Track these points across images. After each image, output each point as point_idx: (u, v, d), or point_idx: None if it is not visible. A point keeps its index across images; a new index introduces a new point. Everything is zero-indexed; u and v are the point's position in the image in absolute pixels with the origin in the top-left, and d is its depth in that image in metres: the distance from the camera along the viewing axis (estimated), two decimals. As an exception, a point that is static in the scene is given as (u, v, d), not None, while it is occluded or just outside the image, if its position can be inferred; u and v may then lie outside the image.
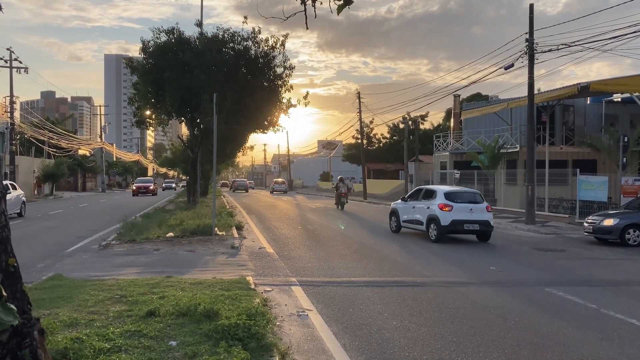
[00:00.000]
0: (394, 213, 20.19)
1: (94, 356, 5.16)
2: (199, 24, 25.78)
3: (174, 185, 57.26)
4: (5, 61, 44.45)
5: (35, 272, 10.71)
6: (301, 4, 3.94)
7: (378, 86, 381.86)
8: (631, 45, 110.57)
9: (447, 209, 16.91)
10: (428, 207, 17.60)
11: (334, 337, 6.75)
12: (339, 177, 36.18)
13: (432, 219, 17.19)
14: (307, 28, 4.08)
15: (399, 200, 20.60)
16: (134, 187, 56.79)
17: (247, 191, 70.62)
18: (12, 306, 2.81)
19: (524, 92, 24.50)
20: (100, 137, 78.92)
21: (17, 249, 3.41)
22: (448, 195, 17.39)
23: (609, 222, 16.83)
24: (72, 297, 7.94)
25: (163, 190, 79.18)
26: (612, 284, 10.78)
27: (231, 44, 24.46)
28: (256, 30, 24.50)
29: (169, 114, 26.84)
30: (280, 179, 73.52)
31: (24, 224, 21.77)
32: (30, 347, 3.02)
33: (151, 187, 56.45)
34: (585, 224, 17.80)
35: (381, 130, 74.33)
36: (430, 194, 18.12)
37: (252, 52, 24.38)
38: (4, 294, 2.82)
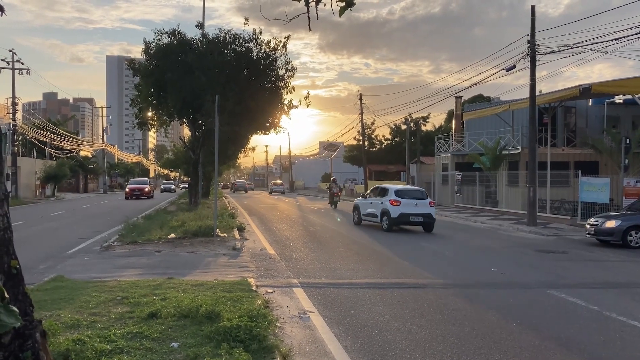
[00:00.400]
0: (356, 208, 23.61)
1: (96, 358, 5.17)
2: (201, 26, 25.81)
3: (173, 186, 52.35)
4: (8, 63, 44.52)
5: (37, 273, 10.72)
6: (305, 5, 3.94)
7: (379, 87, 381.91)
8: (633, 47, 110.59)
9: (396, 204, 20.29)
10: (382, 203, 20.99)
11: (335, 339, 6.75)
12: (331, 179, 39.07)
13: (385, 213, 20.63)
14: (310, 30, 4.09)
15: (360, 197, 24.41)
16: (127, 189, 51.56)
17: (246, 192, 74.62)
18: (14, 308, 2.81)
19: (525, 93, 24.47)
20: (102, 138, 79.00)
21: (19, 250, 3.41)
22: (397, 193, 20.79)
23: (611, 223, 16.80)
24: (74, 298, 7.95)
25: (161, 192, 73.68)
26: (614, 286, 10.77)
27: (233, 46, 24.49)
28: (258, 32, 24.55)
29: (170, 116, 26.87)
30: (278, 181, 77.45)
31: (26, 226, 21.80)
32: (33, 349, 3.02)
33: (146, 189, 50.97)
34: (587, 226, 17.77)
35: (383, 132, 74.42)
36: (384, 192, 21.38)
37: (254, 53, 24.41)
38: (6, 296, 2.82)
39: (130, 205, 37.95)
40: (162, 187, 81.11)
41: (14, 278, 3.08)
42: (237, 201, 45.61)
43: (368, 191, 24.40)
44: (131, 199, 47.74)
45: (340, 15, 3.94)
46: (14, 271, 3.10)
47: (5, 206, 3.21)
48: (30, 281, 8.98)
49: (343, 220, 25.35)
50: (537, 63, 22.83)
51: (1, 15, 3.67)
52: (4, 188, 3.23)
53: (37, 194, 51.92)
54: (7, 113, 45.24)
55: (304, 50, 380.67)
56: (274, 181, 77.73)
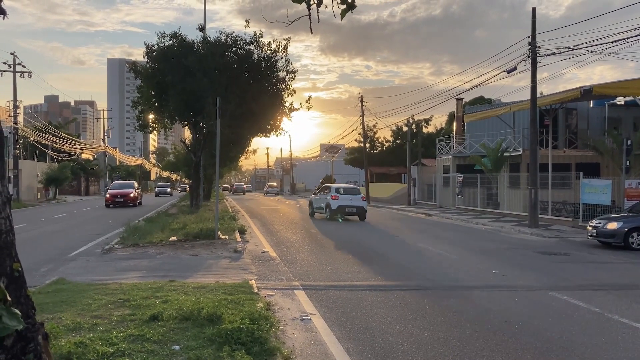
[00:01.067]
0: (310, 203, 29.88)
1: (98, 360, 5.17)
2: (201, 29, 25.86)
3: (169, 189, 44.52)
4: (9, 66, 44.63)
5: (38, 276, 10.73)
6: (306, 8, 3.95)
7: (380, 90, 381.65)
8: (634, 49, 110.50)
9: (335, 198, 26.43)
10: (326, 198, 27.05)
11: (337, 341, 6.75)
12: (320, 181, 42.55)
13: (328, 205, 26.73)
14: (312, 32, 4.09)
15: (313, 195, 30.42)
16: (107, 195, 40.21)
17: (244, 193, 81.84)
18: (17, 311, 2.81)
19: (526, 95, 24.46)
20: (104, 141, 79.15)
21: (20, 253, 3.41)
22: (337, 190, 27.06)
23: (612, 225, 16.78)
24: (76, 301, 7.96)
25: (156, 195, 67.90)
26: (616, 287, 10.75)
27: (234, 48, 24.54)
28: (259, 34, 24.59)
29: (172, 118, 26.91)
30: (274, 183, 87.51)
31: (28, 228, 21.81)
32: (35, 351, 3.02)
33: (132, 195, 40.04)
34: (589, 228, 17.74)
35: (384, 134, 74.53)
36: (328, 189, 27.73)
37: (255, 56, 24.46)
38: (9, 298, 2.82)
39: (132, 208, 37.90)
40: (156, 190, 75.59)
41: (16, 281, 3.09)
42: (239, 203, 45.64)
43: (319, 189, 30.58)
44: (112, 207, 38.15)
45: (342, 18, 3.95)
46: (16, 274, 3.10)
47: (8, 209, 3.21)
48: (31, 284, 8.97)
49: (345, 222, 25.34)
50: (538, 65, 22.82)
51: (3, 18, 3.68)
52: (6, 191, 3.24)
53: (39, 196, 52.00)
54: (9, 116, 45.35)
55: (304, 53, 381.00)
56: (269, 184, 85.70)
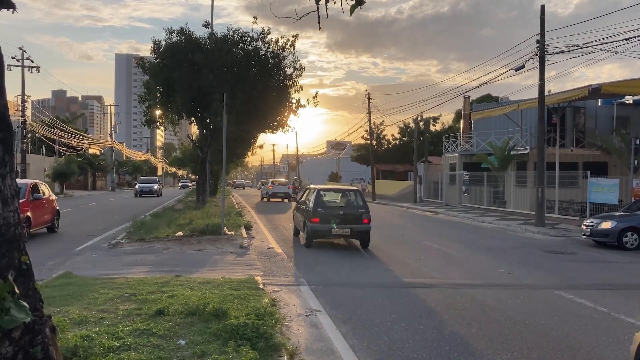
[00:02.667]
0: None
1: (104, 354, 5.19)
2: (208, 25, 25.86)
3: (156, 187, 50.81)
4: (17, 60, 44.84)
5: (45, 270, 10.78)
6: (315, 3, 3.94)
7: (387, 87, 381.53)
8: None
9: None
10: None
11: (342, 338, 6.75)
12: (294, 179, 40.98)
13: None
14: (320, 28, 4.09)
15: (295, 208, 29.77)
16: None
17: (243, 188, 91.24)
18: (25, 303, 2.83)
19: (534, 93, 24.35)
20: (111, 136, 79.32)
21: (27, 247, 3.43)
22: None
23: (606, 225, 16.74)
24: (82, 295, 7.99)
25: (180, 189, 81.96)
26: (622, 287, 10.71)
27: (241, 45, 24.52)
28: (266, 30, 24.56)
29: (179, 114, 26.95)
30: (281, 179, 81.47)
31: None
32: (42, 344, 3.04)
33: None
34: (584, 227, 17.73)
35: (391, 131, 74.31)
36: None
37: (262, 52, 24.43)
38: (17, 291, 2.84)
39: (138, 203, 38.10)
40: (180, 184, 77.12)
41: (24, 273, 3.11)
42: (245, 200, 45.70)
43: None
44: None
45: (351, 14, 3.94)
46: (25, 267, 3.12)
47: (16, 202, 3.24)
48: (38, 277, 9.00)
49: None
50: (546, 63, 22.70)
51: (12, 12, 3.70)
52: (14, 184, 3.26)
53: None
54: (17, 110, 45.54)
55: (312, 49, 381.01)
56: (273, 179, 60.50)
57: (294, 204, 21.44)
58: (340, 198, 17.42)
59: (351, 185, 57.38)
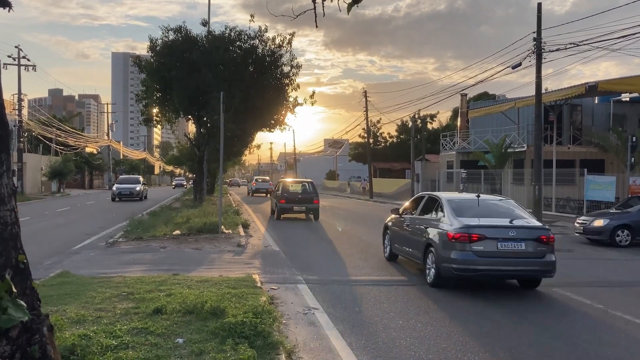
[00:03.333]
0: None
1: (101, 353, 5.19)
2: (205, 23, 25.82)
3: (138, 188, 41.19)
4: (14, 59, 44.70)
5: (42, 269, 10.76)
6: (312, 2, 3.94)
7: (385, 85, 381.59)
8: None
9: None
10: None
11: (340, 336, 6.76)
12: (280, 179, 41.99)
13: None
14: (317, 26, 4.09)
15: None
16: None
17: (239, 186, 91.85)
18: (22, 302, 2.83)
19: (531, 91, 24.44)
20: (107, 134, 79.28)
21: (25, 246, 3.42)
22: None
23: (599, 222, 16.83)
24: (80, 294, 7.98)
25: (173, 188, 74.60)
26: (619, 284, 10.74)
27: (238, 43, 24.49)
28: (263, 28, 24.54)
29: (176, 112, 26.92)
30: (266, 177, 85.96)
31: (32, 221, 21.87)
32: (40, 343, 3.04)
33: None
34: (576, 224, 17.82)
35: (388, 129, 74.38)
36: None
37: (259, 50, 24.41)
38: (14, 290, 2.84)
39: (136, 202, 38.02)
40: (174, 182, 74.04)
41: (21, 272, 3.10)
42: (242, 198, 45.71)
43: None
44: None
45: (348, 12, 3.93)
46: (22, 266, 3.12)
47: (13, 201, 3.23)
48: (35, 277, 9.00)
49: (348, 218, 25.37)
50: (543, 61, 22.75)
51: (8, 11, 3.68)
52: (11, 183, 3.25)
53: (43, 190, 52.14)
54: (13, 109, 45.42)
55: (308, 47, 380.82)
56: (257, 177, 68.18)
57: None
58: (300, 187, 24.72)
59: (348, 184, 58.12)
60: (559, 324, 7.53)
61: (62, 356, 4.70)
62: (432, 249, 9.72)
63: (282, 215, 23.14)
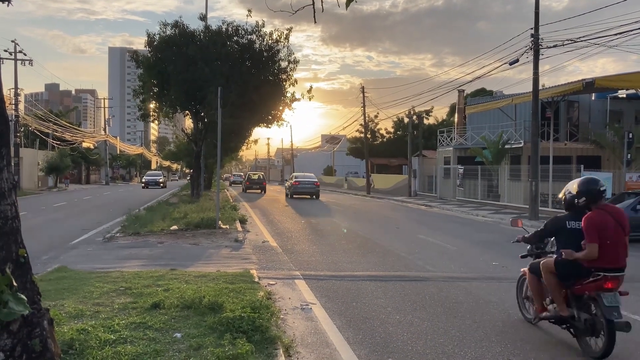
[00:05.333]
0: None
1: (100, 347, 5.20)
2: (203, 18, 25.76)
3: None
4: (10, 53, 44.54)
5: (40, 263, 10.76)
6: (310, -2, 3.95)
7: (382, 80, 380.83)
8: (637, 41, 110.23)
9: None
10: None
11: (337, 331, 6.79)
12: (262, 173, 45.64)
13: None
14: (315, 22, 4.09)
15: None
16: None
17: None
18: (23, 296, 2.84)
19: (528, 87, 24.44)
20: (104, 129, 79.06)
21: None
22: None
23: None
24: (77, 288, 8.00)
25: (144, 187, 57.08)
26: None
27: (235, 38, 24.47)
28: (260, 23, 24.50)
29: (173, 107, 26.88)
30: (255, 174, 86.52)
31: (29, 216, 21.85)
32: (40, 336, 3.05)
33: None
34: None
35: (385, 125, 74.38)
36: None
37: (257, 45, 24.38)
38: (15, 284, 2.85)
39: (133, 197, 38.04)
40: (144, 179, 59.97)
41: (22, 267, 3.12)
42: (239, 194, 45.69)
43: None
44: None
45: (346, 8, 3.94)
46: (22, 260, 3.13)
47: (13, 195, 3.24)
48: (33, 271, 8.99)
49: (346, 214, 25.40)
50: (541, 57, 22.74)
51: (8, 5, 3.69)
52: (11, 177, 3.26)
53: (40, 184, 52.00)
54: (10, 104, 45.26)
55: (306, 43, 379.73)
56: (249, 173, 64.95)
57: (287, 183, 42.68)
58: (304, 178, 39.01)
59: (345, 179, 58.60)
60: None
61: (61, 350, 4.72)
62: None
63: (293, 195, 37.89)
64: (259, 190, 47.69)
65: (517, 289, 7.63)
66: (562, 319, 6.39)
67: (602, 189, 6.29)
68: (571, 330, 6.40)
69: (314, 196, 37.40)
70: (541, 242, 7.21)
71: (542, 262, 6.60)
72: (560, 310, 6.32)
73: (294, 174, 43.57)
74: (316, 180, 39.23)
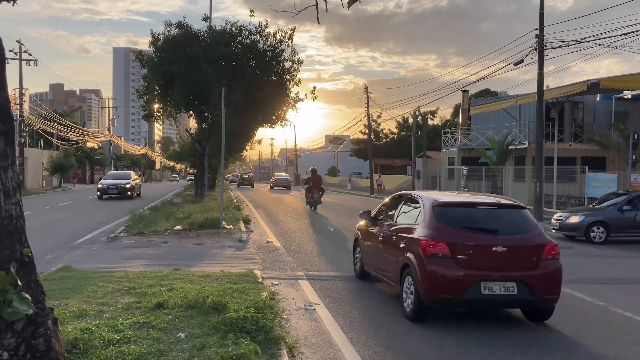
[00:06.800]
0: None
1: (104, 347, 5.20)
2: (207, 18, 25.77)
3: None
4: (15, 53, 44.65)
5: (44, 263, 10.78)
6: (314, -2, 3.94)
7: (386, 81, 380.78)
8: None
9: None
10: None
11: (341, 331, 6.78)
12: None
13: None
14: (319, 22, 4.09)
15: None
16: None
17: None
18: (27, 295, 2.84)
19: (532, 88, 24.40)
20: (109, 129, 79.20)
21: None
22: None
23: (574, 219, 17.02)
24: (81, 288, 8.01)
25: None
26: (621, 281, 10.75)
27: (239, 38, 24.44)
28: (264, 24, 24.48)
29: (177, 107, 26.89)
30: (247, 174, 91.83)
31: (33, 216, 21.89)
32: (45, 335, 3.05)
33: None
34: (553, 221, 18.01)
35: (389, 126, 74.26)
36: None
37: (260, 46, 24.35)
38: (19, 283, 2.85)
39: (135, 199, 38.04)
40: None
41: (26, 266, 3.12)
42: (243, 194, 45.73)
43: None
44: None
45: (348, 7, 3.93)
46: (27, 259, 3.13)
47: (18, 194, 3.24)
48: (37, 271, 9.01)
49: (348, 214, 25.36)
50: (545, 57, 22.70)
51: (13, 5, 3.69)
52: (16, 177, 3.26)
53: (44, 184, 52.12)
54: (15, 104, 45.41)
55: (310, 43, 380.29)
56: (241, 174, 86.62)
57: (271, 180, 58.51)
58: (280, 177, 60.41)
59: (349, 180, 58.76)
60: (560, 321, 7.54)
61: (65, 350, 4.72)
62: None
63: (274, 187, 54.95)
64: (249, 186, 65.99)
65: None
66: None
67: None
68: None
69: (287, 188, 55.80)
70: None
71: None
72: None
73: (275, 174, 71.02)
74: (289, 177, 60.64)
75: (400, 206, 8.75)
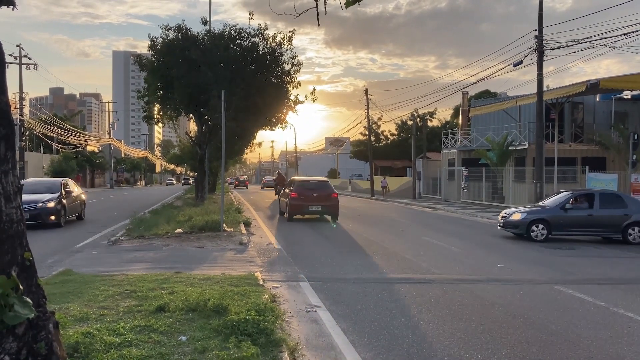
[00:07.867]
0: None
1: (105, 350, 5.20)
2: (205, 22, 25.79)
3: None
4: (15, 58, 44.75)
5: (45, 267, 10.77)
6: (314, 0, 3.94)
7: (385, 83, 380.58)
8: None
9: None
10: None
11: (342, 333, 6.78)
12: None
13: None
14: (319, 24, 4.09)
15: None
16: None
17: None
18: (28, 299, 2.84)
19: (532, 89, 24.42)
20: (109, 133, 79.30)
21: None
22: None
23: (516, 216, 17.26)
24: (82, 292, 8.00)
25: (166, 185, 43.27)
26: (622, 282, 10.74)
27: (238, 41, 24.45)
28: (263, 26, 24.51)
29: (177, 111, 26.91)
30: (242, 177, 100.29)
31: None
32: (46, 339, 3.05)
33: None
34: (499, 218, 18.22)
35: (389, 127, 74.26)
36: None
37: (260, 48, 24.37)
38: (20, 287, 2.85)
39: (138, 200, 38.05)
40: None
41: (27, 270, 3.12)
42: (243, 196, 45.75)
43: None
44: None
45: (346, 7, 3.93)
46: (28, 263, 3.13)
47: (18, 199, 3.24)
48: (39, 275, 9.00)
49: (349, 217, 25.36)
50: (545, 58, 22.74)
51: (12, 9, 3.70)
52: (16, 181, 3.27)
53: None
54: (15, 108, 45.47)
55: (309, 46, 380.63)
56: (237, 177, 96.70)
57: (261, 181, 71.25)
58: (269, 179, 70.41)
59: (349, 182, 59.24)
60: (561, 322, 7.54)
61: (66, 354, 4.72)
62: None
63: (264, 187, 62.89)
64: (244, 187, 75.19)
65: None
66: None
67: None
68: None
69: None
70: None
71: None
72: None
73: (265, 177, 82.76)
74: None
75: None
